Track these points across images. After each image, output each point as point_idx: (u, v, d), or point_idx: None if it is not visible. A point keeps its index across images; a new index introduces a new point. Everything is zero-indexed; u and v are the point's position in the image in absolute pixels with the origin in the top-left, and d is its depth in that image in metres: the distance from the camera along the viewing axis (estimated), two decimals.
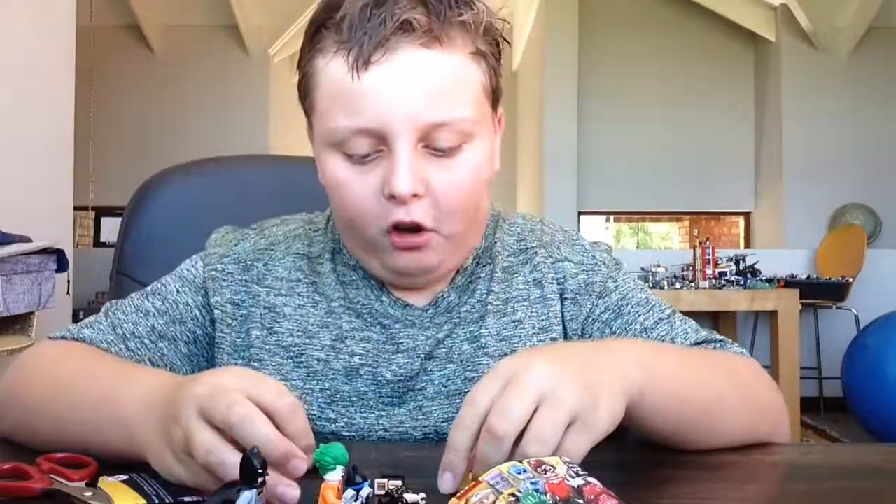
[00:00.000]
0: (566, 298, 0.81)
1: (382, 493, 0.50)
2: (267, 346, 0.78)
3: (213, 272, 0.81)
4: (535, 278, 0.82)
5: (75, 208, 3.41)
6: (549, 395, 0.52)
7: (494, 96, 0.75)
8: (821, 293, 4.43)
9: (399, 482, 0.50)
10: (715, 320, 4.59)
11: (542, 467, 0.47)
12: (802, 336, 4.09)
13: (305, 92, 0.74)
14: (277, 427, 0.51)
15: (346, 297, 0.79)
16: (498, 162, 0.79)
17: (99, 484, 0.55)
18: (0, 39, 2.76)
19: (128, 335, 0.78)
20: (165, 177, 1.10)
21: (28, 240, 2.43)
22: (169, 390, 0.56)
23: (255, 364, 0.78)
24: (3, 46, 2.76)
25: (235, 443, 0.50)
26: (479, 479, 0.47)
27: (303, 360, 0.77)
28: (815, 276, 4.73)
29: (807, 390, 4.27)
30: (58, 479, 0.56)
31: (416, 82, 0.68)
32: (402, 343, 0.77)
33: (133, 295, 0.83)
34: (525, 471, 0.47)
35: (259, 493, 0.46)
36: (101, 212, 6.39)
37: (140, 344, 0.78)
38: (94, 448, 0.61)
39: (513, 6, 7.64)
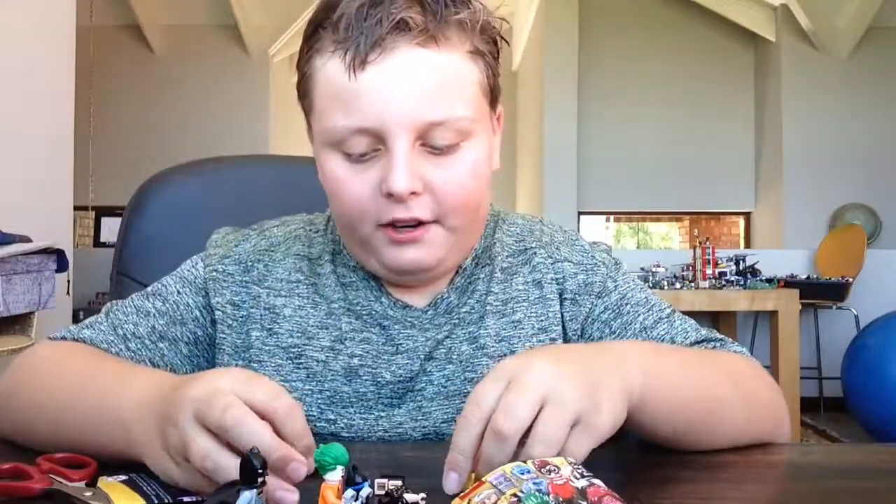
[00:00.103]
0: (565, 299, 0.81)
1: (382, 493, 0.50)
2: (267, 347, 0.78)
3: (214, 273, 0.81)
4: (534, 279, 0.82)
5: (75, 208, 3.41)
6: (552, 396, 0.52)
7: (493, 95, 0.76)
8: (821, 293, 4.43)
9: (399, 482, 0.50)
10: (715, 320, 4.59)
11: (547, 468, 0.47)
12: (802, 336, 4.09)
13: (304, 92, 0.74)
14: (275, 429, 0.51)
15: (345, 298, 0.79)
16: (498, 160, 0.79)
17: (98, 484, 0.55)
18: (0, 39, 2.75)
19: (128, 336, 0.78)
20: (165, 177, 1.09)
21: (28, 240, 2.43)
22: (165, 391, 0.56)
23: (255, 365, 0.78)
24: (3, 46, 2.76)
25: (232, 446, 0.50)
26: (483, 479, 0.47)
27: (302, 361, 0.77)
28: (815, 276, 4.73)
29: (807, 390, 4.27)
30: (58, 479, 0.56)
31: (413, 81, 0.68)
32: (401, 344, 0.77)
33: (133, 296, 0.83)
34: (529, 471, 0.47)
35: (259, 493, 0.45)
36: (101, 212, 6.38)
37: (141, 344, 0.78)
38: (92, 448, 0.61)
39: (513, 6, 7.64)
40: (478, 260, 0.82)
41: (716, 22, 6.99)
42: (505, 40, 0.77)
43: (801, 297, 3.91)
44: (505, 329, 0.78)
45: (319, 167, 0.75)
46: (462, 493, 0.48)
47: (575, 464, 0.48)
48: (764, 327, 4.49)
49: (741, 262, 4.17)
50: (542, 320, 0.80)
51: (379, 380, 0.76)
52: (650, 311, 0.81)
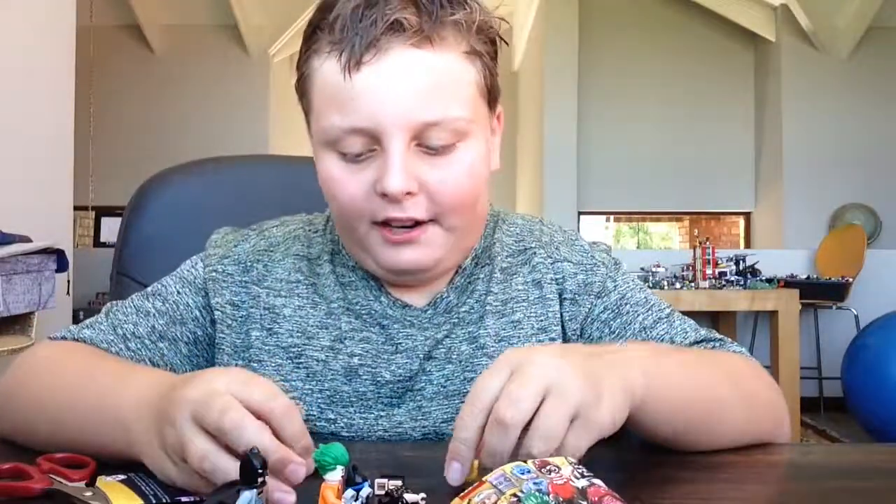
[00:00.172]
0: (565, 298, 0.81)
1: (382, 493, 0.50)
2: (267, 347, 0.78)
3: (214, 273, 0.81)
4: (533, 279, 0.82)
5: (75, 208, 3.41)
6: (554, 387, 0.52)
7: (491, 95, 0.76)
8: (821, 293, 4.43)
9: (399, 482, 0.50)
10: (715, 320, 4.59)
11: (547, 468, 0.47)
12: (802, 336, 4.09)
13: (302, 92, 0.75)
14: (273, 430, 0.51)
15: (345, 297, 0.79)
16: (497, 160, 0.79)
17: (97, 484, 0.55)
18: (0, 39, 2.75)
19: (128, 335, 0.78)
20: (165, 177, 1.09)
21: (28, 240, 2.43)
22: (164, 391, 0.56)
23: (255, 365, 0.78)
24: (3, 46, 2.76)
25: (230, 447, 0.50)
26: (483, 479, 0.47)
27: (302, 360, 0.77)
28: (815, 276, 4.73)
29: (807, 390, 4.27)
30: (58, 479, 0.56)
31: (408, 82, 0.68)
32: (400, 343, 0.77)
33: (133, 296, 0.83)
34: (529, 471, 0.47)
35: (259, 493, 0.45)
36: (101, 212, 6.39)
37: (141, 344, 0.78)
38: (92, 448, 0.61)
39: (513, 6, 7.64)
40: (477, 260, 0.82)
41: (716, 22, 6.99)
42: (504, 40, 0.77)
43: (801, 297, 3.91)
44: (504, 329, 0.79)
45: (317, 166, 0.75)
46: (462, 493, 0.48)
47: (575, 464, 0.48)
48: (764, 327, 4.49)
49: (741, 262, 4.17)
50: (541, 320, 0.80)
51: (378, 379, 0.76)
52: (649, 311, 0.81)
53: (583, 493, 0.45)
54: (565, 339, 0.80)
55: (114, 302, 0.83)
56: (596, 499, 0.45)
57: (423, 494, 0.49)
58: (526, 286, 0.81)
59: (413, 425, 0.76)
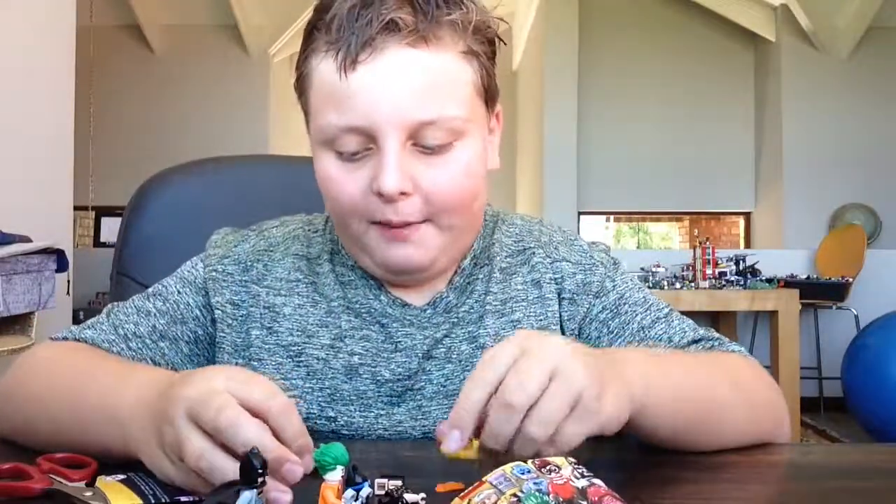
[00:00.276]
0: (564, 298, 0.81)
1: (382, 493, 0.50)
2: (267, 346, 0.78)
3: (214, 273, 0.82)
4: (533, 278, 0.82)
5: (75, 208, 3.41)
6: (562, 369, 0.53)
7: (488, 95, 0.76)
8: (821, 293, 4.43)
9: (399, 482, 0.50)
10: (715, 320, 4.59)
11: (547, 468, 0.47)
12: (802, 336, 4.09)
13: (301, 91, 0.75)
14: (271, 429, 0.51)
15: (344, 296, 0.79)
16: (496, 159, 0.79)
17: (96, 483, 0.55)
18: (0, 39, 2.75)
19: (129, 335, 0.78)
20: (165, 177, 1.10)
21: (28, 240, 2.43)
22: (161, 389, 0.56)
23: (255, 363, 0.78)
24: (3, 46, 2.76)
25: (227, 446, 0.50)
26: (483, 479, 0.47)
27: (302, 359, 0.77)
28: (815, 276, 4.73)
29: (807, 390, 4.27)
30: (58, 479, 0.56)
31: (403, 81, 0.69)
32: (400, 342, 0.77)
33: (134, 297, 0.83)
34: (529, 471, 0.47)
35: (259, 493, 0.45)
36: (101, 212, 6.38)
37: (142, 344, 0.78)
38: (93, 448, 0.61)
39: (512, 6, 7.64)
40: (476, 260, 0.82)
41: (716, 22, 6.99)
42: (502, 40, 0.77)
43: (801, 297, 3.91)
44: (504, 329, 0.79)
45: (314, 165, 0.75)
46: (462, 494, 0.48)
47: (575, 464, 0.48)
48: (764, 327, 4.49)
49: (741, 262, 4.17)
50: (540, 320, 0.80)
51: (379, 378, 0.76)
52: (648, 311, 0.81)
53: (583, 493, 0.45)
54: None
55: (115, 303, 0.83)
56: (596, 499, 0.45)
57: (423, 494, 0.49)
58: (525, 286, 0.81)
59: (413, 424, 0.76)
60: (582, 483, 0.46)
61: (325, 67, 0.71)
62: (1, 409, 0.72)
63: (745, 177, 7.11)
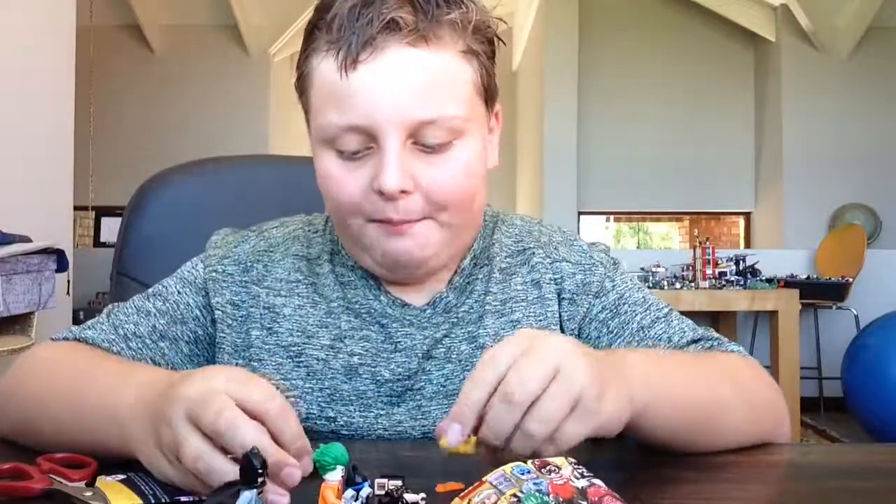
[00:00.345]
0: (563, 298, 0.82)
1: (382, 493, 0.50)
2: (267, 346, 0.78)
3: (214, 273, 0.82)
4: (532, 279, 0.82)
5: (75, 208, 3.41)
6: (564, 368, 0.53)
7: (488, 94, 0.76)
8: (821, 293, 4.43)
9: (399, 482, 0.50)
10: (715, 320, 4.59)
11: (547, 468, 0.47)
12: (802, 336, 4.09)
13: (301, 91, 0.76)
14: (269, 431, 0.51)
15: (344, 297, 0.80)
16: (496, 158, 0.80)
17: (96, 483, 0.55)
18: (0, 39, 2.75)
19: (129, 335, 0.79)
20: (165, 177, 1.10)
21: (28, 240, 2.43)
22: (160, 389, 0.56)
23: (255, 364, 0.78)
24: (3, 46, 2.76)
25: (225, 448, 0.50)
26: (483, 479, 0.47)
27: (302, 359, 0.77)
28: (815, 276, 4.73)
29: (807, 390, 4.27)
30: (58, 479, 0.56)
31: (403, 80, 0.69)
32: (399, 342, 0.78)
33: (134, 297, 0.83)
34: (529, 471, 0.47)
35: (259, 494, 0.45)
36: (101, 212, 6.38)
37: (142, 344, 0.78)
38: (92, 447, 0.61)
39: (512, 6, 7.64)
40: (476, 260, 0.82)
41: (716, 22, 6.99)
42: (501, 40, 0.77)
43: (801, 297, 3.91)
44: (504, 329, 0.79)
45: (315, 164, 0.75)
46: (462, 494, 0.48)
47: (575, 464, 0.48)
48: (764, 327, 4.49)
49: (741, 262, 4.17)
50: (540, 320, 0.80)
51: (378, 378, 0.76)
52: (647, 311, 0.81)
53: (583, 493, 0.45)
54: None
55: (115, 304, 0.84)
56: (596, 499, 0.45)
57: (423, 494, 0.49)
58: (525, 286, 0.81)
59: (413, 424, 0.76)
60: (582, 483, 0.46)
61: (325, 67, 0.71)
62: (1, 408, 0.72)
63: (745, 177, 7.11)
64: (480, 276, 0.81)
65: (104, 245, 6.33)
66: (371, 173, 0.71)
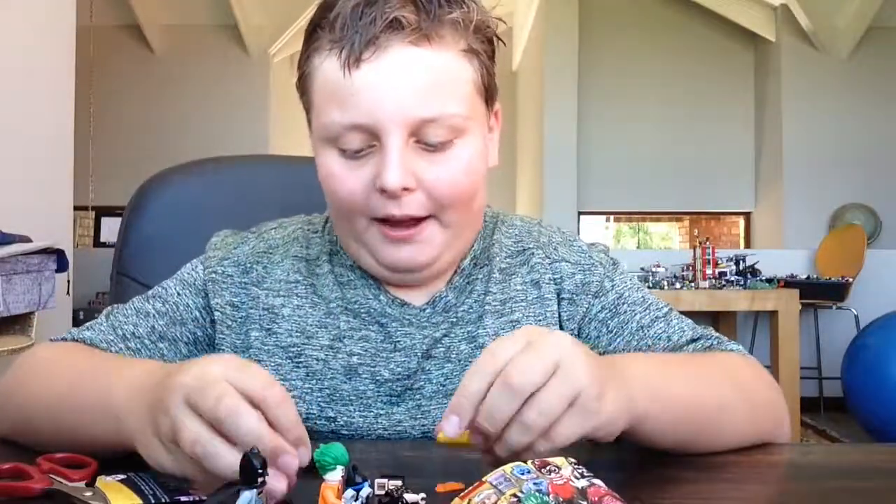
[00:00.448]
0: (563, 298, 0.82)
1: (382, 493, 0.50)
2: (266, 347, 0.78)
3: (213, 275, 0.82)
4: (532, 279, 0.82)
5: (75, 208, 3.41)
6: (564, 365, 0.53)
7: (488, 93, 0.77)
8: (821, 293, 4.43)
9: (399, 482, 0.50)
10: (715, 320, 4.59)
11: (547, 468, 0.47)
12: (802, 336, 4.09)
13: (303, 90, 0.76)
14: (267, 419, 0.51)
15: (343, 297, 0.80)
16: (495, 157, 0.80)
17: (96, 484, 0.55)
18: (0, 39, 2.75)
19: (128, 335, 0.79)
20: (165, 177, 1.10)
21: (28, 240, 2.44)
22: (157, 378, 0.56)
23: None
24: (3, 46, 2.76)
25: (223, 434, 0.50)
26: (483, 479, 0.47)
27: (302, 360, 0.78)
28: (815, 276, 4.73)
29: (807, 390, 4.27)
30: (58, 479, 0.56)
31: (406, 79, 0.69)
32: (399, 342, 0.78)
33: (134, 299, 0.84)
34: (529, 471, 0.47)
35: (259, 493, 0.45)
36: (101, 212, 6.38)
37: (140, 344, 0.79)
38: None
39: (512, 6, 7.64)
40: (476, 261, 0.82)
41: (716, 22, 6.99)
42: (501, 40, 0.77)
43: (801, 297, 3.91)
44: (503, 329, 0.79)
45: (316, 162, 0.76)
46: (462, 494, 0.48)
47: (575, 464, 0.48)
48: (764, 327, 4.49)
49: (741, 262, 4.17)
50: (539, 320, 0.80)
51: (378, 378, 0.76)
52: (647, 310, 0.81)
53: (583, 493, 0.45)
54: None
55: (114, 305, 0.84)
56: (596, 499, 0.45)
57: (423, 494, 0.49)
58: (524, 286, 0.82)
59: (413, 424, 0.76)
60: (582, 483, 0.46)
61: (328, 65, 0.71)
62: (1, 408, 0.72)
63: (745, 177, 7.11)
64: (480, 277, 0.82)
65: (104, 245, 6.33)
66: (373, 171, 0.71)
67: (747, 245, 7.24)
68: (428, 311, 0.79)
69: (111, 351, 0.77)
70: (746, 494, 0.60)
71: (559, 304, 0.81)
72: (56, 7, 3.08)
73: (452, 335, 0.78)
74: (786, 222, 6.44)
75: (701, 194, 7.20)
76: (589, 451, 0.67)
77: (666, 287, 3.98)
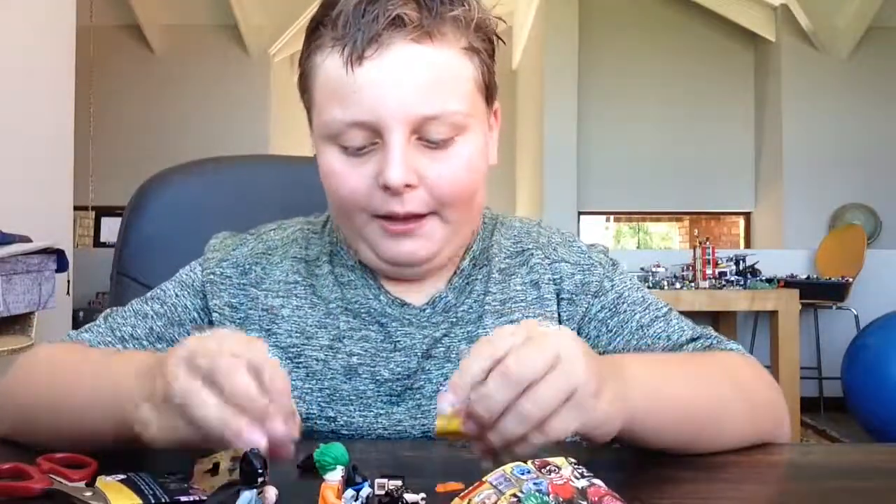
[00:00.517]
0: (563, 299, 0.82)
1: (382, 493, 0.50)
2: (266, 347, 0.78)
3: (212, 276, 0.82)
4: (531, 279, 0.82)
5: (75, 208, 3.41)
6: (564, 359, 0.52)
7: (488, 91, 0.77)
8: (821, 293, 4.43)
9: (399, 482, 0.50)
10: (715, 320, 4.59)
11: (547, 468, 0.47)
12: (802, 336, 4.09)
13: (304, 88, 0.76)
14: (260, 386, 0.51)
15: (343, 297, 0.80)
16: (495, 156, 0.80)
17: (96, 484, 0.55)
18: (0, 39, 2.75)
19: (126, 337, 0.79)
20: (165, 177, 1.10)
21: (28, 240, 2.44)
22: (159, 357, 0.57)
23: None
24: (3, 46, 2.76)
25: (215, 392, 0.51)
26: (483, 479, 0.47)
27: (301, 360, 0.78)
28: (815, 276, 4.73)
29: (807, 390, 4.27)
30: (58, 479, 0.56)
31: (408, 76, 0.70)
32: (399, 341, 0.78)
33: (132, 301, 0.84)
34: (529, 471, 0.47)
35: (259, 494, 0.46)
36: (101, 212, 6.39)
37: (138, 345, 0.79)
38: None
39: (512, 5, 7.64)
40: (475, 261, 0.82)
41: (716, 22, 6.99)
42: (501, 39, 0.78)
43: (801, 297, 3.91)
44: None
45: (318, 160, 0.76)
46: (462, 494, 0.48)
47: (575, 464, 0.48)
48: (764, 327, 4.49)
49: (741, 262, 4.17)
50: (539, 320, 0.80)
51: (378, 377, 0.76)
52: (647, 310, 0.81)
53: (583, 493, 0.45)
54: None
55: (113, 308, 0.84)
56: (596, 499, 0.45)
57: (423, 494, 0.49)
58: (524, 287, 0.82)
59: (413, 423, 0.76)
60: (582, 483, 0.46)
61: (330, 63, 0.71)
62: (1, 408, 0.72)
63: (745, 177, 7.11)
64: (479, 277, 0.82)
65: (104, 245, 6.34)
66: (375, 168, 0.71)
67: (747, 245, 7.24)
68: (428, 311, 0.79)
69: None
70: (746, 494, 0.60)
71: (559, 305, 0.82)
72: (56, 7, 3.08)
73: (452, 335, 0.78)
74: (786, 222, 6.44)
75: (701, 194, 7.20)
76: (589, 451, 0.67)
77: (666, 287, 3.98)
